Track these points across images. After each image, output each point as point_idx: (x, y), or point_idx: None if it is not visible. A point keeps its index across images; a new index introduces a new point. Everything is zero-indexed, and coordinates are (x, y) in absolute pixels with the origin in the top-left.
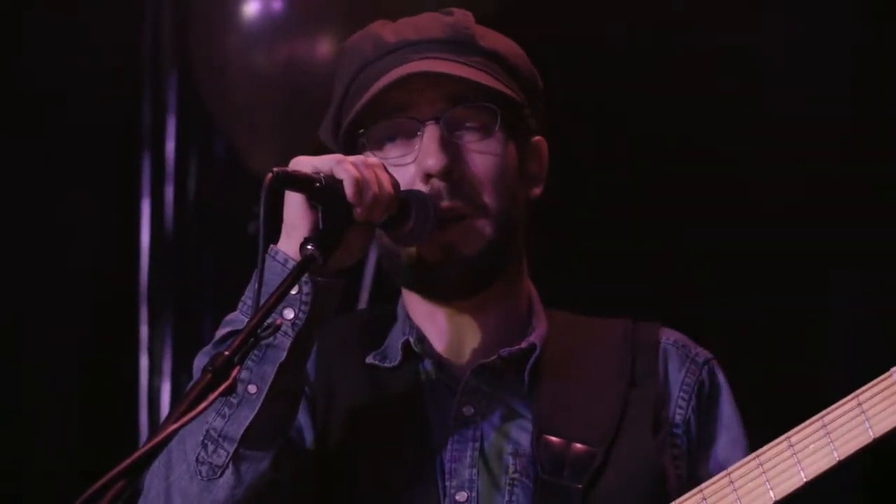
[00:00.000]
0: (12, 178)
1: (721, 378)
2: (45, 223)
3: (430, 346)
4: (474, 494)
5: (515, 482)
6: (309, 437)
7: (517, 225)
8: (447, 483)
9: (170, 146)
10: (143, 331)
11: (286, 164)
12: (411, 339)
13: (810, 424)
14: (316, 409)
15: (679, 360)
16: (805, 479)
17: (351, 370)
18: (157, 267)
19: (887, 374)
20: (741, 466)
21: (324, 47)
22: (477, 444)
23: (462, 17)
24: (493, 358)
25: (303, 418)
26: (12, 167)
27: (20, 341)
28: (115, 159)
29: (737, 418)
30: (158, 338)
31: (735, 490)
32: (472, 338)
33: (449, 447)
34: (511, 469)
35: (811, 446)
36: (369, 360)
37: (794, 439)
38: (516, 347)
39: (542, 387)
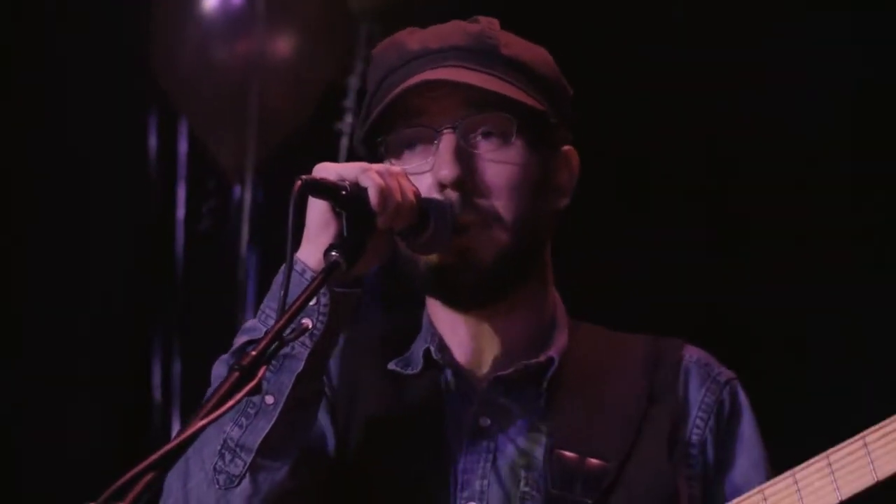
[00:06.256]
0: None
1: (743, 398)
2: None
3: (451, 355)
4: None
5: (526, 496)
6: (331, 442)
7: (538, 236)
8: (459, 494)
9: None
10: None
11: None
12: (432, 348)
13: (816, 462)
14: (337, 414)
15: (700, 378)
16: None
17: (373, 376)
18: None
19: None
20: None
21: (282, 42)
22: (490, 456)
23: (487, 25)
24: (510, 371)
25: (325, 423)
26: None
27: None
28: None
29: (758, 440)
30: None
31: None
32: (491, 348)
33: (462, 458)
34: (522, 483)
35: (816, 483)
36: (391, 366)
37: (798, 476)
38: (534, 361)
39: (560, 400)
